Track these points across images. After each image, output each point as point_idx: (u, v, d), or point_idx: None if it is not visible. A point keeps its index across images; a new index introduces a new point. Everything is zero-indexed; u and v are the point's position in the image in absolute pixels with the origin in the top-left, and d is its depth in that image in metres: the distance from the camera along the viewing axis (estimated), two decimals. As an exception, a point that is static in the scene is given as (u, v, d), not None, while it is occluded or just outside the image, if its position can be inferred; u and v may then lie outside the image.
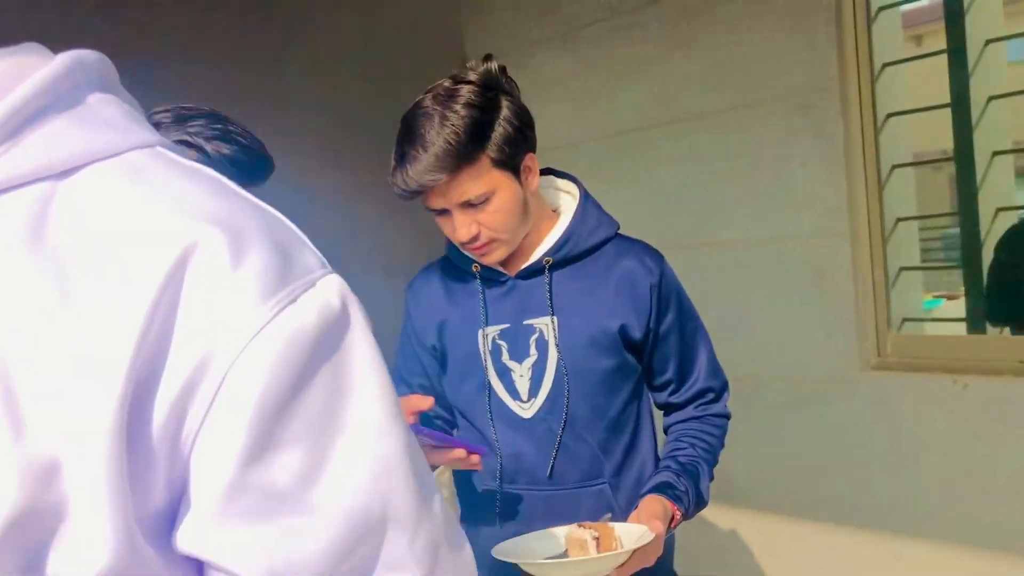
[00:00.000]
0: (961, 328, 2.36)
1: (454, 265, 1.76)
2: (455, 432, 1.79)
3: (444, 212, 1.62)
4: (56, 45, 0.82)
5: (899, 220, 2.26)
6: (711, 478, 1.71)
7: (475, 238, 1.61)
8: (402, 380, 1.80)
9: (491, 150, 1.57)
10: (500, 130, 1.57)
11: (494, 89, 1.60)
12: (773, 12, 2.35)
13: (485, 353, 1.68)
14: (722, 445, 1.77)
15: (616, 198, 2.73)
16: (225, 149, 1.36)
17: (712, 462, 1.72)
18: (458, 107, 1.55)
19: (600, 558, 1.43)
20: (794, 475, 2.42)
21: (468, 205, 1.59)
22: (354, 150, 3.71)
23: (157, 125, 1.39)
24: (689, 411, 1.75)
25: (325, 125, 3.69)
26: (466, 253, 1.70)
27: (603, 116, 2.79)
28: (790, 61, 2.32)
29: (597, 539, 1.46)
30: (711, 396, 1.76)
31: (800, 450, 2.40)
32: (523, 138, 1.62)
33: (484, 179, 1.57)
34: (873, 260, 2.23)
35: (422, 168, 1.54)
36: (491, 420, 1.67)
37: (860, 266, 2.24)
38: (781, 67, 2.34)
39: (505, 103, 1.60)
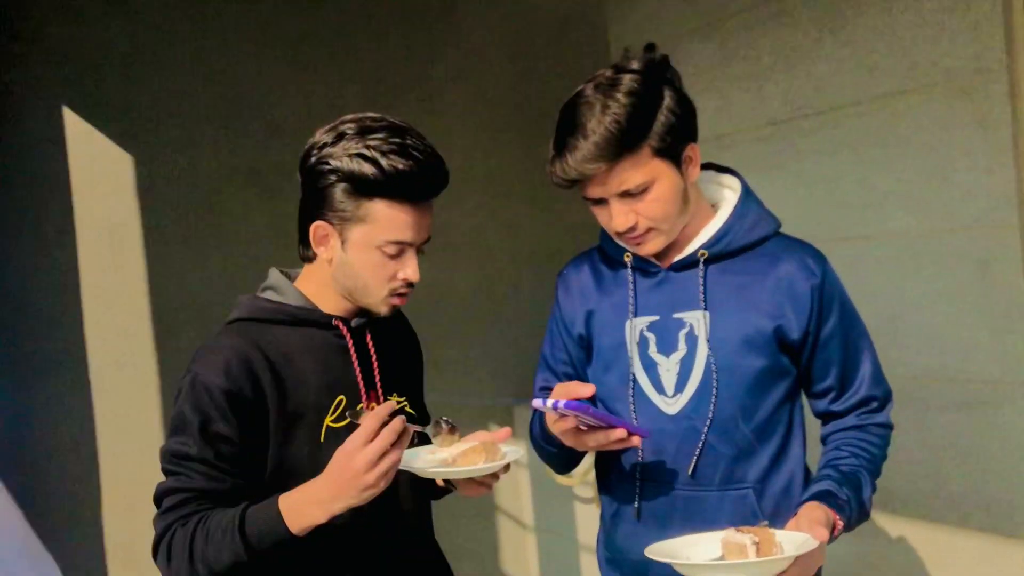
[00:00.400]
0: None
1: (606, 255, 1.76)
2: None
3: (601, 202, 1.62)
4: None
5: None
6: (874, 489, 1.64)
7: (632, 228, 1.61)
8: (548, 366, 1.83)
9: (653, 139, 1.56)
10: (662, 119, 1.56)
11: (656, 78, 1.59)
12: (931, -9, 2.22)
13: (632, 344, 1.68)
14: (884, 457, 1.70)
15: (766, 191, 2.66)
16: (400, 164, 1.43)
17: (874, 473, 1.66)
18: (620, 95, 1.55)
19: (759, 562, 1.39)
20: (957, 482, 2.28)
21: (627, 195, 1.58)
22: (500, 148, 3.77)
23: (341, 135, 1.47)
24: (850, 420, 1.69)
25: (472, 125, 3.77)
26: (620, 243, 1.70)
27: (751, 107, 2.71)
28: (950, 43, 2.18)
29: (757, 544, 1.41)
30: (874, 405, 1.70)
31: (963, 456, 2.26)
32: (685, 128, 1.60)
33: (644, 168, 1.56)
34: (1045, 253, 2.07)
35: (582, 156, 1.55)
36: (634, 413, 1.66)
37: (1031, 260, 2.09)
38: (940, 50, 2.21)
39: (668, 92, 1.59)
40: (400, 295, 1.55)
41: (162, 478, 1.47)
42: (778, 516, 1.59)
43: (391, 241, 1.49)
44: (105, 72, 3.14)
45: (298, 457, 1.49)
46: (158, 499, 1.47)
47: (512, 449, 1.57)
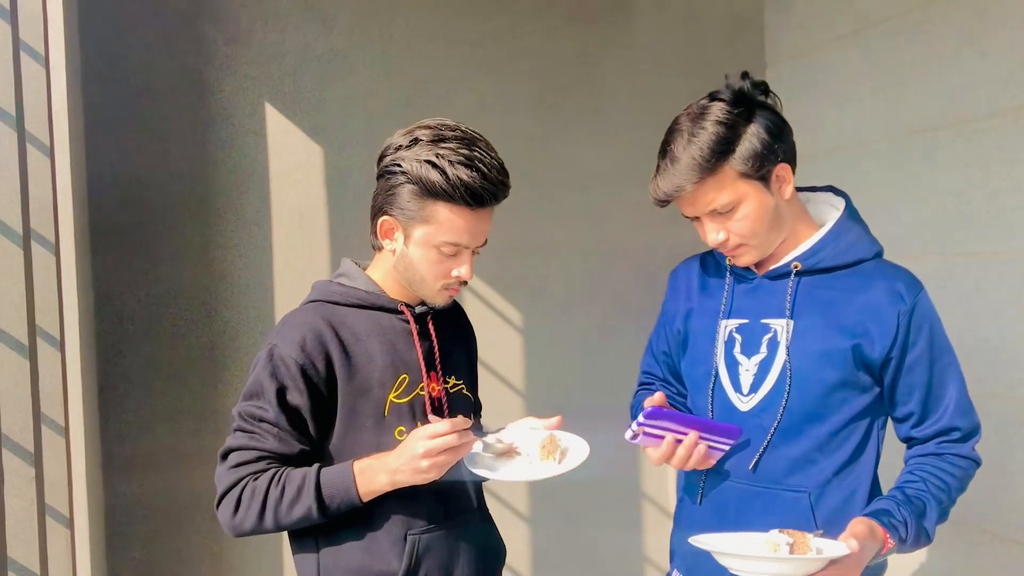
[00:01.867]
0: None
1: (714, 258, 1.90)
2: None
3: (696, 218, 1.77)
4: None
5: None
6: (942, 517, 1.67)
7: (724, 243, 1.75)
8: (651, 353, 2.02)
9: (735, 163, 1.69)
10: (747, 144, 1.69)
11: (745, 105, 1.72)
12: (1068, 4, 2.15)
13: (720, 343, 1.81)
14: (962, 488, 1.72)
15: (902, 201, 2.65)
16: (464, 174, 1.61)
17: (945, 501, 1.68)
18: (706, 123, 1.70)
19: (786, 559, 1.48)
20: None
21: (715, 213, 1.72)
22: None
23: (415, 140, 1.67)
24: (930, 447, 1.73)
25: (638, 123, 3.90)
26: None
27: (891, 116, 2.70)
28: (1084, 58, 2.11)
29: (791, 544, 1.51)
30: (957, 435, 1.72)
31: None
32: (772, 151, 1.72)
33: (729, 189, 1.70)
34: None
35: (669, 180, 1.71)
36: (711, 406, 1.80)
37: None
38: (1074, 64, 2.14)
39: (757, 118, 1.71)
40: (453, 290, 1.73)
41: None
42: (834, 526, 1.65)
43: (449, 242, 1.67)
44: (302, 72, 3.55)
45: (364, 428, 1.67)
46: (226, 454, 1.65)
47: (575, 441, 1.71)
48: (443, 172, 1.62)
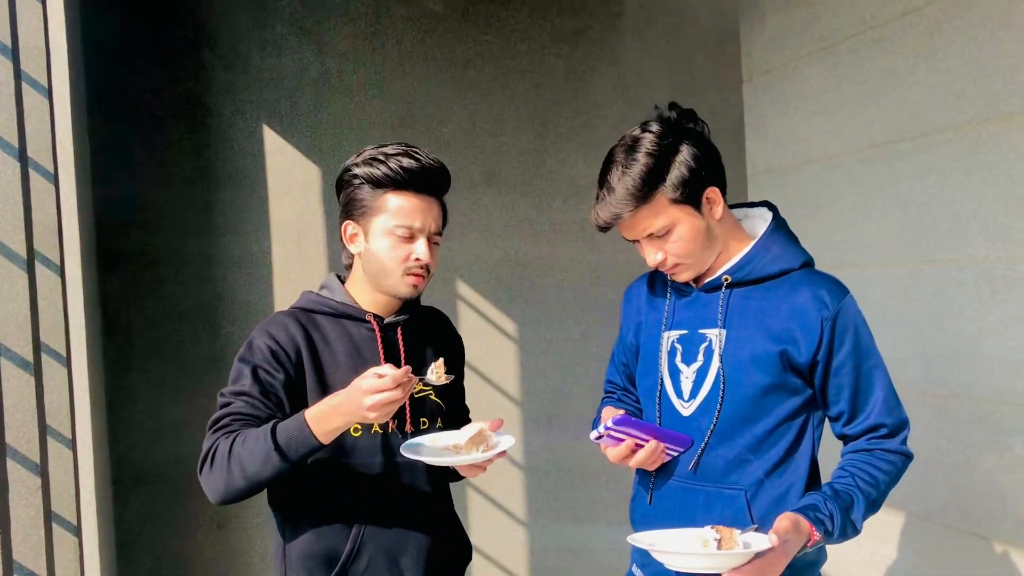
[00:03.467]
0: None
1: (660, 275, 2.02)
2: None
3: (637, 241, 1.89)
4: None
5: None
6: (870, 510, 1.76)
7: (662, 263, 1.87)
8: (613, 364, 2.16)
9: (667, 190, 1.81)
10: (676, 172, 1.81)
11: (674, 135, 1.84)
12: (1012, 24, 2.25)
13: (663, 353, 1.93)
14: (892, 481, 1.81)
15: (868, 210, 2.76)
16: (405, 162, 1.83)
17: (874, 495, 1.77)
18: (638, 155, 1.82)
19: (713, 554, 1.59)
20: (1024, 505, 2.31)
21: (652, 236, 1.85)
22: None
23: (361, 153, 1.91)
24: (861, 443, 1.83)
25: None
26: None
27: (856, 129, 2.80)
28: (1027, 74, 2.22)
29: (719, 540, 1.62)
30: (884, 431, 1.82)
31: (1031, 479, 2.28)
32: (701, 177, 1.83)
33: (663, 215, 1.82)
34: (1110, 284, 2.07)
35: (607, 209, 1.84)
36: (659, 412, 1.91)
37: (1094, 290, 2.09)
38: (1020, 79, 2.24)
39: (685, 146, 1.83)
40: (415, 275, 1.87)
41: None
42: (769, 521, 1.73)
43: (401, 225, 1.84)
44: (298, 95, 3.70)
45: None
46: (210, 426, 1.80)
47: (504, 437, 1.85)
48: (385, 163, 1.85)
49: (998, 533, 2.38)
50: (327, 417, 1.71)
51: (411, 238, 1.86)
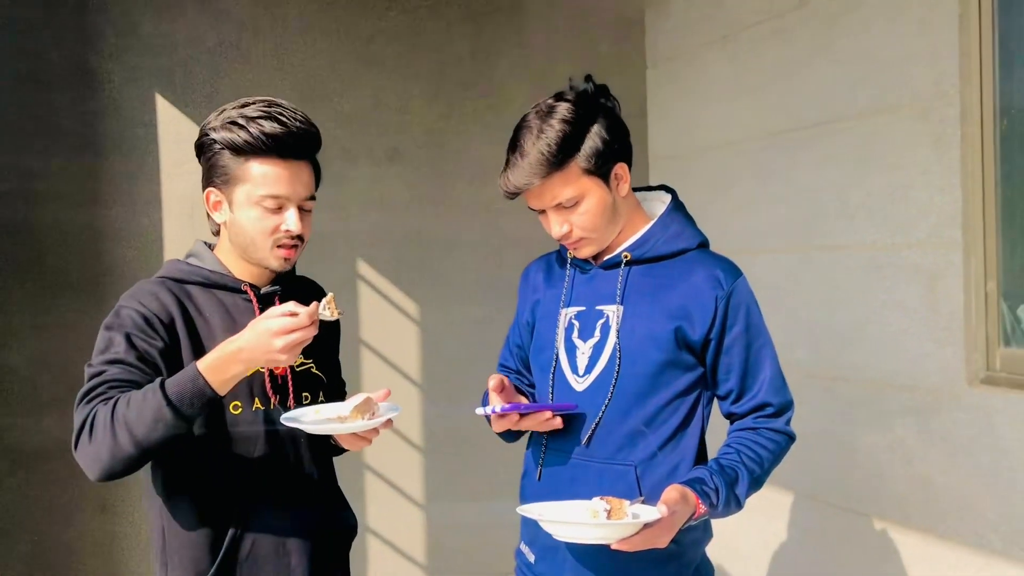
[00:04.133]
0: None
1: (559, 254, 2.02)
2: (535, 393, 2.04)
3: (542, 212, 1.88)
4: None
5: None
6: (753, 486, 1.79)
7: (567, 235, 1.86)
8: (507, 345, 2.13)
9: (580, 160, 1.80)
10: (591, 143, 1.80)
11: (589, 107, 1.83)
12: (902, 17, 2.33)
13: (561, 329, 1.92)
14: (775, 460, 1.84)
15: (765, 197, 2.82)
16: (267, 127, 1.67)
17: (757, 472, 1.81)
18: (553, 122, 1.80)
19: (603, 524, 1.60)
20: (903, 483, 2.40)
21: (560, 207, 1.83)
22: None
23: (221, 112, 1.75)
24: (748, 422, 1.86)
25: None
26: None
27: (755, 117, 2.86)
28: (915, 66, 2.29)
29: (608, 511, 1.63)
30: (770, 411, 1.85)
31: (908, 459, 2.38)
32: (613, 150, 1.84)
33: (574, 185, 1.81)
34: (987, 272, 2.17)
35: (519, 174, 1.81)
36: (552, 387, 1.91)
37: (972, 278, 2.19)
38: (907, 72, 2.32)
39: (600, 119, 1.83)
40: (286, 247, 1.75)
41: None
42: (658, 496, 1.72)
43: (268, 195, 1.71)
44: (193, 64, 3.56)
45: None
46: (80, 399, 1.63)
47: (390, 407, 1.78)
48: (246, 128, 1.70)
49: (879, 511, 2.48)
50: (224, 366, 1.59)
51: (280, 208, 1.73)
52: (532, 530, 1.91)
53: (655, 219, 1.91)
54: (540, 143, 1.78)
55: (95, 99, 3.43)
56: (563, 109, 1.80)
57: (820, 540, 2.69)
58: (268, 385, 1.78)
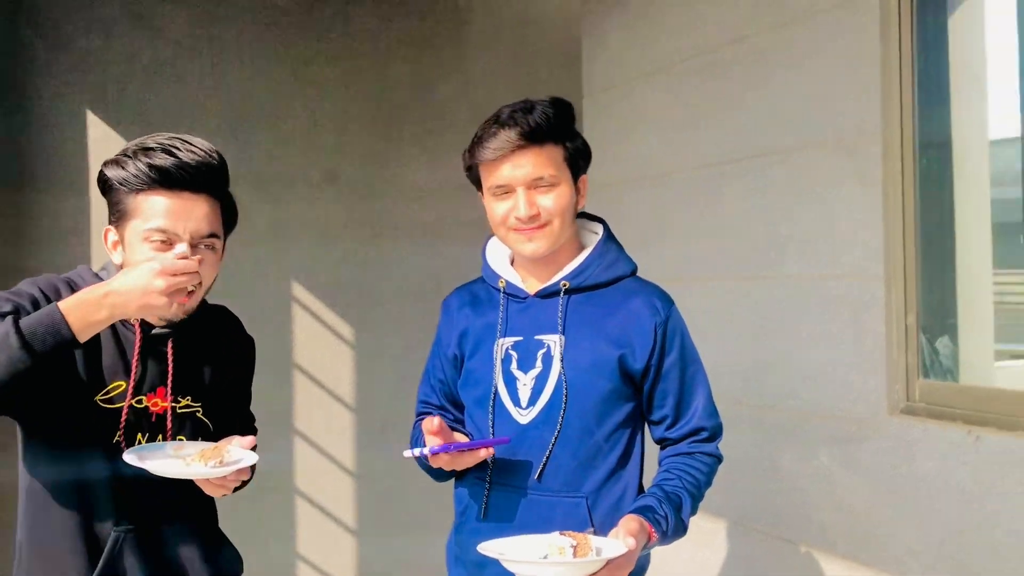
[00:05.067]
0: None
1: (485, 283, 2.00)
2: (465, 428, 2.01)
3: (507, 193, 1.83)
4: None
5: None
6: (693, 510, 1.81)
7: (534, 218, 1.82)
8: (427, 382, 2.06)
9: (568, 144, 1.84)
10: (576, 140, 1.86)
11: (565, 112, 1.86)
12: (829, 58, 2.40)
13: (497, 361, 1.89)
14: (708, 483, 1.87)
15: (697, 227, 2.87)
16: (156, 160, 1.58)
17: (696, 496, 1.83)
18: (539, 108, 1.81)
19: (573, 563, 1.57)
20: (827, 512, 2.45)
21: (537, 184, 1.81)
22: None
23: (124, 151, 1.64)
24: (682, 447, 1.87)
25: (467, 144, 4.05)
26: (498, 271, 1.95)
27: (689, 149, 2.92)
28: (841, 104, 2.37)
29: (575, 547, 1.59)
30: (704, 435, 1.87)
31: (833, 488, 2.43)
32: (586, 160, 1.89)
33: (558, 165, 1.82)
34: (907, 305, 2.24)
35: (514, 133, 1.77)
36: (492, 421, 1.89)
37: (894, 310, 2.26)
38: (833, 109, 2.39)
39: (574, 130, 1.88)
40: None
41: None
42: (607, 525, 1.75)
43: (154, 229, 1.59)
44: (127, 81, 3.51)
45: (67, 404, 1.60)
46: None
47: (247, 455, 1.68)
48: (134, 161, 1.62)
49: (804, 537, 2.52)
50: (90, 308, 1.46)
51: (169, 244, 1.60)
52: (474, 570, 1.87)
53: (589, 248, 1.92)
54: (536, 113, 1.79)
55: (23, 113, 3.35)
56: (545, 106, 1.83)
57: (748, 567, 2.73)
58: (144, 426, 1.69)
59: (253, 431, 1.89)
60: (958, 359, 2.34)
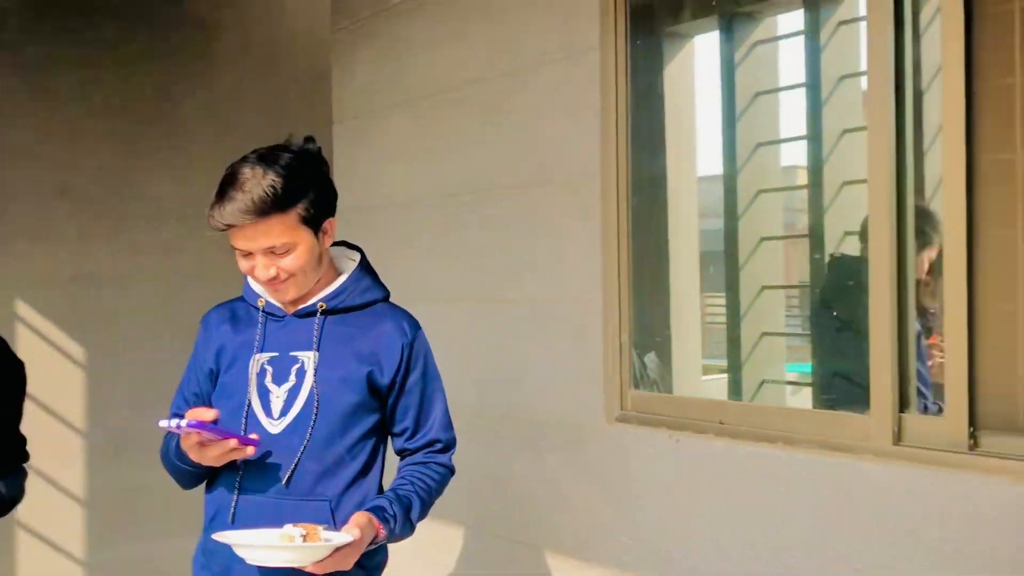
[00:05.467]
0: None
1: (245, 302, 2.08)
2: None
3: (247, 255, 1.93)
4: None
5: (763, 288, 2.67)
6: (423, 513, 2.00)
7: (274, 278, 1.93)
8: (181, 394, 2.13)
9: (300, 209, 1.90)
10: (312, 195, 1.92)
11: (310, 162, 1.96)
12: (556, 104, 2.69)
13: (252, 375, 2.00)
14: (440, 490, 2.06)
15: (441, 252, 3.06)
16: None
17: (427, 501, 2.02)
18: (278, 167, 1.90)
19: (301, 547, 1.72)
20: (558, 512, 2.71)
21: (271, 251, 1.90)
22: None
23: None
24: (419, 456, 2.06)
25: (213, 160, 4.01)
26: (257, 291, 2.04)
27: (433, 179, 3.11)
28: (568, 148, 2.66)
29: (304, 536, 1.75)
30: (439, 446, 2.07)
31: (561, 490, 2.70)
32: (327, 206, 1.98)
33: (291, 232, 1.90)
34: (621, 326, 2.55)
35: (238, 208, 1.85)
36: (244, 430, 1.97)
37: (609, 330, 2.56)
38: (561, 152, 2.68)
39: (318, 176, 1.96)
40: None
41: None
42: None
43: None
44: None
45: None
46: None
47: None
48: None
49: (535, 538, 2.77)
50: None
51: None
52: (221, 573, 1.95)
53: (346, 273, 2.08)
54: (265, 182, 1.86)
55: None
56: (287, 158, 1.92)
57: (484, 568, 2.94)
58: None
59: (24, 454, 1.83)
60: (671, 373, 2.69)
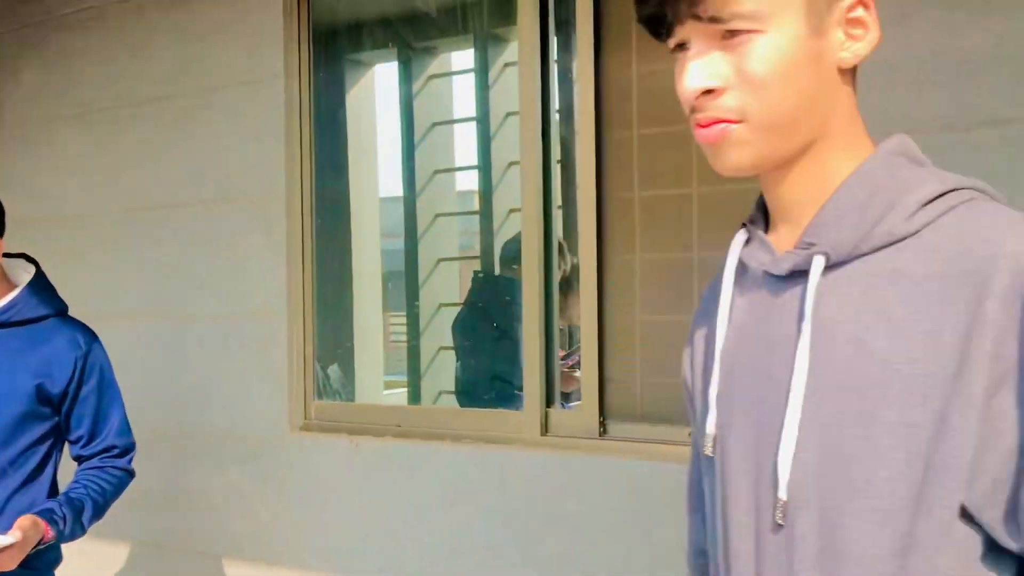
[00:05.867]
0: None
1: None
2: None
3: None
4: None
5: (441, 305, 2.85)
6: (97, 514, 2.07)
7: None
8: None
9: None
10: None
11: None
12: (241, 126, 2.79)
13: None
14: (117, 493, 2.14)
15: (120, 268, 3.01)
16: None
17: (101, 502, 2.08)
18: None
19: None
20: (239, 521, 2.78)
21: None
22: None
23: None
24: (95, 462, 2.13)
25: None
26: None
27: (112, 193, 3.06)
28: (252, 168, 2.77)
29: None
30: (116, 451, 2.15)
31: (246, 499, 2.77)
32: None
33: None
34: (305, 338, 2.69)
35: None
36: None
37: (294, 343, 2.69)
38: (246, 171, 2.78)
39: None
40: None
41: None
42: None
43: None
44: None
45: None
46: None
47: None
48: None
49: (218, 549, 2.82)
50: None
51: None
52: None
53: (19, 286, 2.11)
54: None
55: None
56: None
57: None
58: None
59: None
60: (354, 383, 2.86)
